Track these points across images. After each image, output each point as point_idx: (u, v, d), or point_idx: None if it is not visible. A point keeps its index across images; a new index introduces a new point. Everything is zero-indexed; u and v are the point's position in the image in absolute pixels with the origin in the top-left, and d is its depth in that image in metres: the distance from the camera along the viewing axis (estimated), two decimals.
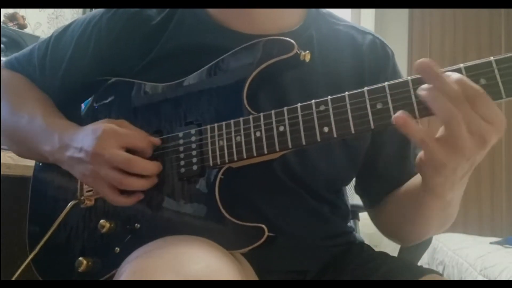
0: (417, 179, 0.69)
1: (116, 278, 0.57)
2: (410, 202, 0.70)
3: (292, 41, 0.64)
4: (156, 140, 0.68)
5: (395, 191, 0.77)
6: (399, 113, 0.52)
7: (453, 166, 0.53)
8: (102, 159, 0.63)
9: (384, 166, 0.78)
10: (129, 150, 0.65)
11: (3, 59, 0.87)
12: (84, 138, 0.65)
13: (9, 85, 0.81)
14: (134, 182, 0.64)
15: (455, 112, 0.49)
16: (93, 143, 0.63)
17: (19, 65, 0.84)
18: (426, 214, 0.66)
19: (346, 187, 0.92)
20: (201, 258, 0.54)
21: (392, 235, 0.80)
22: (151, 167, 0.65)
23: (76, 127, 0.71)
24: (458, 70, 0.52)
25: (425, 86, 0.51)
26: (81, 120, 0.77)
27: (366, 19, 3.15)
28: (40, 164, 0.81)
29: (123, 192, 0.66)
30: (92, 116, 0.76)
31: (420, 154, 0.56)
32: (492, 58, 0.51)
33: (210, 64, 0.69)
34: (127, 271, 0.51)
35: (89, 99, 0.79)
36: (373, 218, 0.83)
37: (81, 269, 0.69)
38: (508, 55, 0.50)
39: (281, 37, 0.65)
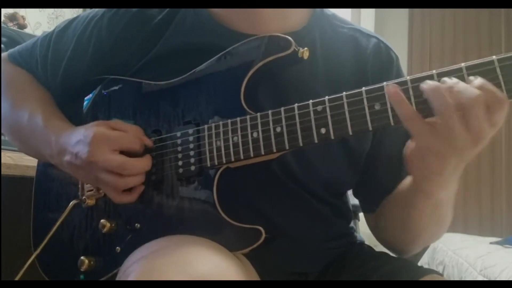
0: (407, 180, 0.68)
1: (120, 277, 0.57)
2: (401, 204, 0.69)
3: (289, 38, 0.62)
4: (148, 142, 0.68)
5: (389, 196, 0.75)
6: (391, 84, 0.53)
7: (441, 156, 0.52)
8: (97, 166, 0.64)
9: (383, 171, 0.76)
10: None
11: (3, 54, 0.87)
12: (78, 144, 0.66)
13: (12, 81, 0.82)
14: (129, 181, 0.65)
15: (451, 107, 0.49)
16: (86, 150, 0.64)
17: (22, 60, 0.84)
18: (416, 215, 0.66)
19: None
20: (209, 258, 0.54)
21: (387, 243, 0.79)
22: (143, 165, 0.66)
23: (70, 128, 0.71)
24: (459, 70, 0.51)
25: (432, 82, 0.51)
26: (81, 118, 0.77)
27: (366, 19, 3.14)
28: (43, 163, 0.81)
29: (125, 189, 0.67)
30: (92, 114, 0.77)
31: (409, 142, 0.56)
32: (494, 57, 0.50)
33: (207, 63, 0.68)
34: (136, 271, 0.51)
35: (90, 96, 0.80)
36: (370, 225, 0.81)
37: (83, 268, 0.70)
38: (510, 54, 0.49)
39: (278, 34, 0.64)
